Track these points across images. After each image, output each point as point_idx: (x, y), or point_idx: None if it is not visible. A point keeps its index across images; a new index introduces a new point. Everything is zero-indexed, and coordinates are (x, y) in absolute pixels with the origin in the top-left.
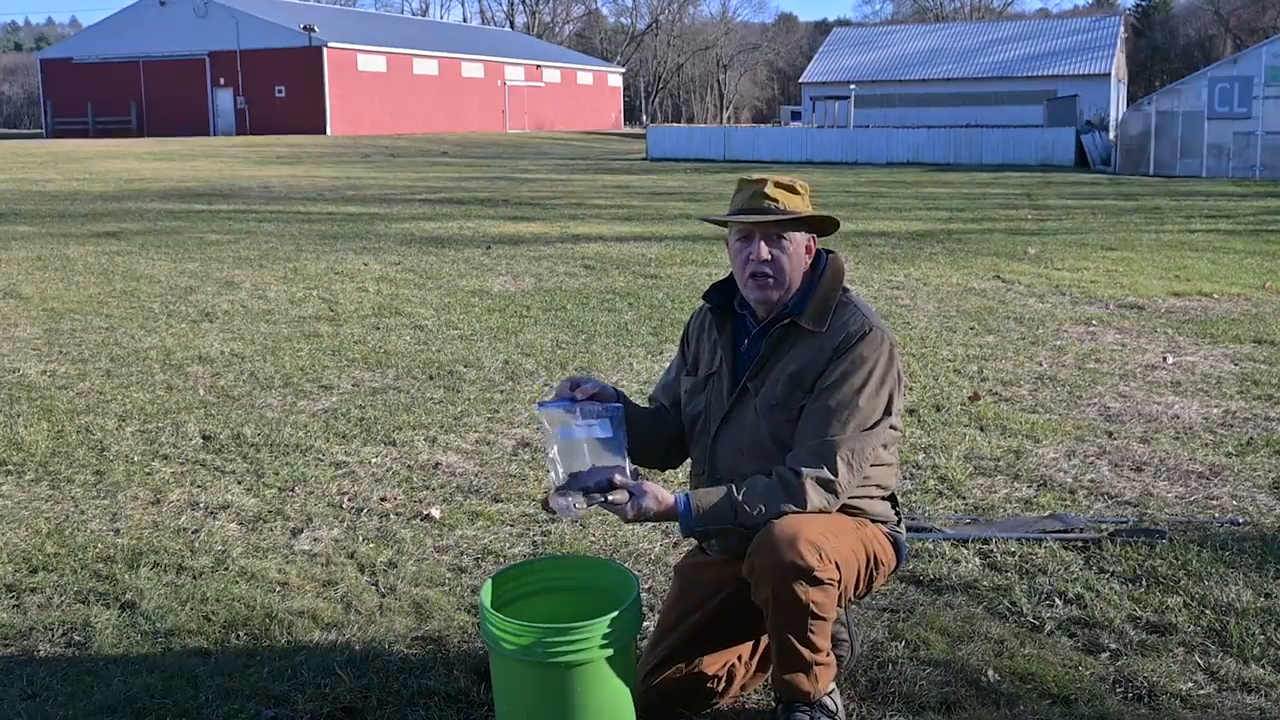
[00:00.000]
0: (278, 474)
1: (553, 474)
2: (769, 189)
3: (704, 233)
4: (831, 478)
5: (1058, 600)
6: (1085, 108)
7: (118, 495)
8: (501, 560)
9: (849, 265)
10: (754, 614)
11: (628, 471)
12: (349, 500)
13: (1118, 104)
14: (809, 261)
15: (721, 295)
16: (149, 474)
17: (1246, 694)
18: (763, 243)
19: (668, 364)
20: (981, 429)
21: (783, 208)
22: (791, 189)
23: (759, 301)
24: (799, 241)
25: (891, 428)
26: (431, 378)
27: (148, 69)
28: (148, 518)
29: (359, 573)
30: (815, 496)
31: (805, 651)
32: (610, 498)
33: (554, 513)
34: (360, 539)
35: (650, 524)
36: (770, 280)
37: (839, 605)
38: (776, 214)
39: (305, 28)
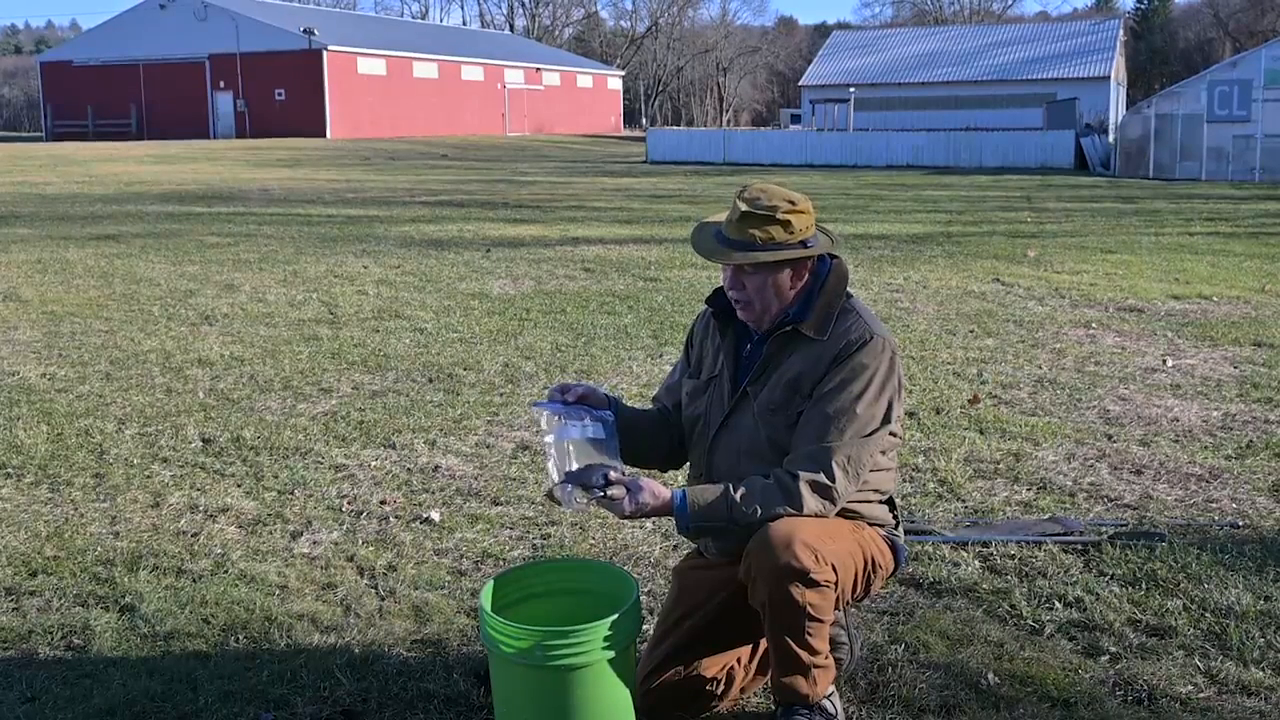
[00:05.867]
0: (277, 477)
1: (551, 471)
2: (746, 222)
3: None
4: (828, 483)
5: (1057, 603)
6: (1085, 111)
7: (117, 498)
8: (501, 563)
9: (849, 268)
10: (753, 616)
11: (621, 472)
12: (348, 503)
13: (1117, 107)
14: (798, 284)
15: (724, 299)
16: (148, 477)
17: (1246, 697)
18: (735, 277)
19: (667, 367)
20: (981, 432)
21: (758, 242)
22: (771, 218)
23: (744, 320)
24: (778, 275)
25: (891, 434)
26: (431, 380)
27: (147, 72)
28: (147, 521)
29: (358, 576)
30: (811, 501)
31: (803, 654)
32: (609, 493)
33: (559, 503)
34: (360, 542)
35: (649, 526)
36: (746, 306)
37: (837, 608)
38: (753, 250)
39: (305, 31)
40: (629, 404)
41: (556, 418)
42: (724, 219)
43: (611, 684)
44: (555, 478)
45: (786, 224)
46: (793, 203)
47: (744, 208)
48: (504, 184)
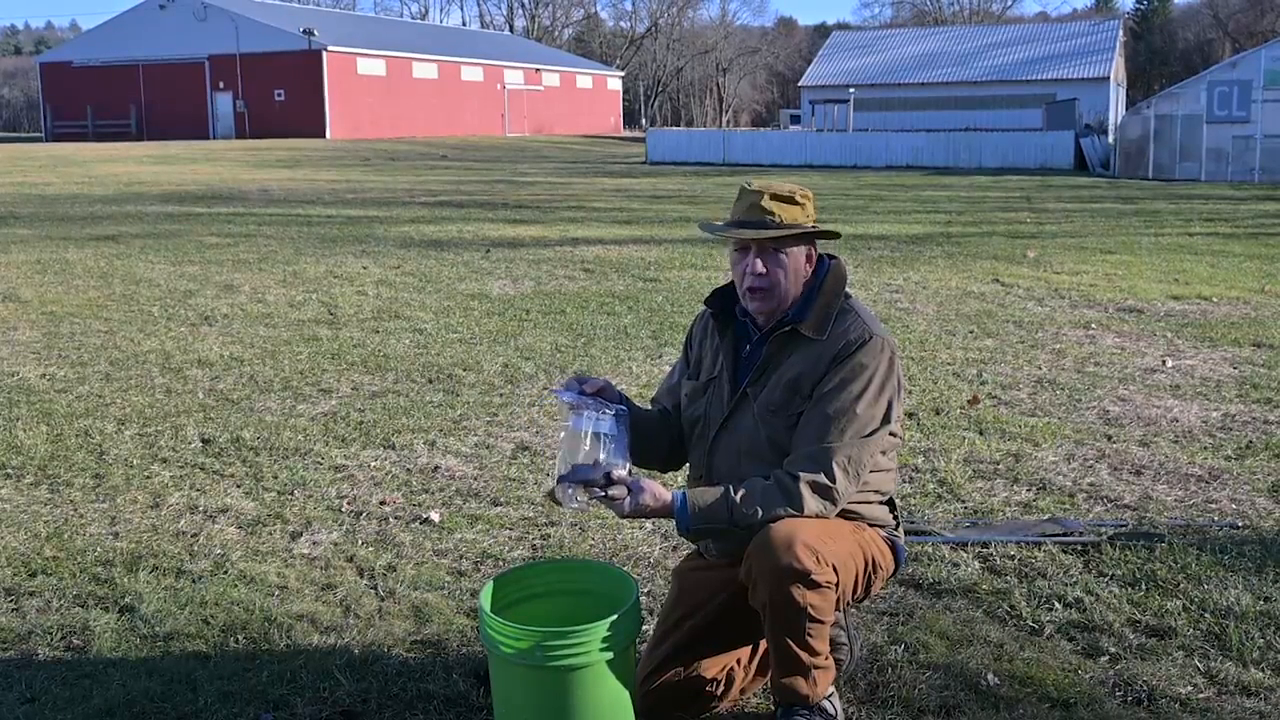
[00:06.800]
0: (277, 477)
1: (559, 459)
2: (766, 201)
3: (703, 236)
4: (829, 484)
5: (1057, 604)
6: (1084, 111)
7: (117, 499)
8: (501, 564)
9: (848, 269)
10: (753, 617)
11: (627, 471)
12: (348, 504)
13: (1117, 107)
14: (809, 271)
15: (723, 300)
16: (148, 477)
17: (1246, 697)
18: (759, 258)
19: (666, 367)
20: (981, 432)
21: (780, 221)
22: (791, 200)
23: (757, 312)
24: (797, 255)
25: (891, 434)
26: (431, 381)
27: (147, 72)
28: (147, 521)
29: (358, 576)
30: (812, 501)
31: (803, 655)
32: (610, 493)
33: (559, 504)
34: (359, 542)
35: (649, 526)
36: (766, 294)
37: (837, 609)
38: (773, 229)
39: (305, 31)
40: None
41: (574, 407)
42: (733, 214)
43: (611, 684)
44: (560, 469)
45: (803, 206)
46: (800, 189)
47: (764, 191)
48: (503, 184)
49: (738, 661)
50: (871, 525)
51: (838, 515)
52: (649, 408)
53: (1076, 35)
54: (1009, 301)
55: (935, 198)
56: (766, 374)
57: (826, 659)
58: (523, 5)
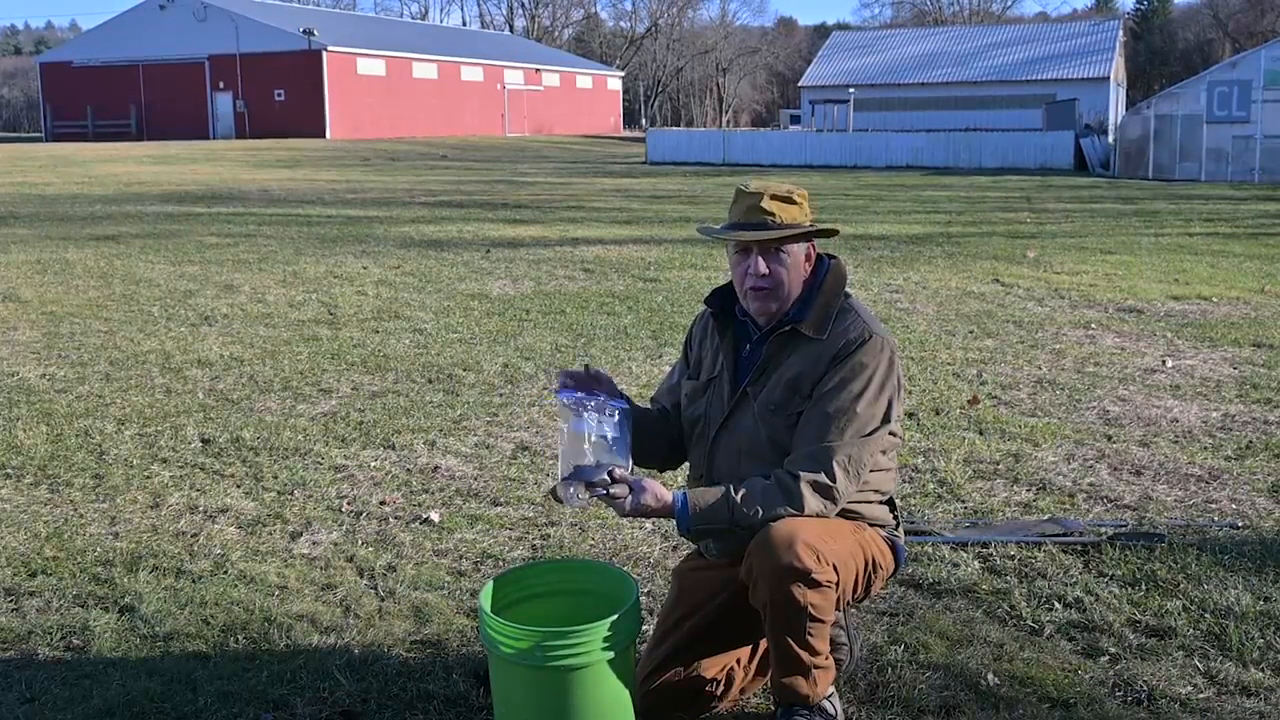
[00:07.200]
0: (277, 477)
1: (561, 460)
2: (766, 202)
3: (703, 236)
4: (829, 483)
5: (1057, 604)
6: (1084, 111)
7: (116, 499)
8: (501, 564)
9: (848, 269)
10: (753, 617)
11: (629, 470)
12: (348, 504)
13: (1117, 108)
14: (809, 269)
15: (723, 300)
16: (148, 477)
17: (1246, 698)
18: (760, 258)
19: (666, 367)
20: (981, 432)
21: (780, 221)
22: (789, 200)
23: (759, 313)
24: (797, 254)
25: (891, 434)
26: (431, 381)
27: (147, 72)
28: (146, 521)
29: (358, 576)
30: (812, 501)
31: (804, 654)
32: (611, 491)
33: (560, 501)
34: (359, 542)
35: (649, 526)
36: (769, 294)
37: (837, 608)
38: (774, 229)
39: (305, 31)
40: None
41: (574, 408)
42: (731, 217)
43: (611, 684)
44: (563, 470)
45: (800, 205)
46: (796, 188)
47: (762, 193)
48: (503, 184)
49: (737, 661)
50: (872, 525)
51: (838, 515)
52: (649, 407)
53: (1076, 35)
54: (1009, 301)
55: (935, 198)
56: (766, 373)
57: (827, 659)
58: (523, 5)
